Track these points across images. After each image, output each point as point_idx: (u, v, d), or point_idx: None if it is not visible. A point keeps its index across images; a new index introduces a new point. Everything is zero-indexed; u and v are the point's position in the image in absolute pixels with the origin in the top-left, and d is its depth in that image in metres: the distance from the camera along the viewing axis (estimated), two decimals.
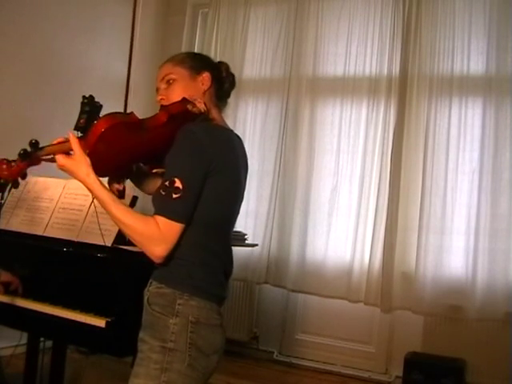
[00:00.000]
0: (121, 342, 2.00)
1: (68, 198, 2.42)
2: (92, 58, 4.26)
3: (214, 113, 1.60)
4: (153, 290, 1.48)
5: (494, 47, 3.65)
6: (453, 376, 3.49)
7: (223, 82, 1.67)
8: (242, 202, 1.61)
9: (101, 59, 4.28)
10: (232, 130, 1.61)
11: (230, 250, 1.59)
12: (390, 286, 3.74)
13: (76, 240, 2.26)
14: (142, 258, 1.46)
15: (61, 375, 2.56)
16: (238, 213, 1.61)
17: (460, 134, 3.71)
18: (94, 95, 1.48)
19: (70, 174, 1.44)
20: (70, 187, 2.44)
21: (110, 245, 2.12)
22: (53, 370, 2.55)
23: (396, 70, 3.92)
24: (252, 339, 4.34)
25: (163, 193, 1.39)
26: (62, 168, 1.44)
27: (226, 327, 1.53)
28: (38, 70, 3.88)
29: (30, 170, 1.48)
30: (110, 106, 1.56)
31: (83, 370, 3.07)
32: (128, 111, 1.53)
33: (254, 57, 4.41)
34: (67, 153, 1.44)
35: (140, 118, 1.47)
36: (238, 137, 1.62)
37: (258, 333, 4.36)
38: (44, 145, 1.45)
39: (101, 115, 1.45)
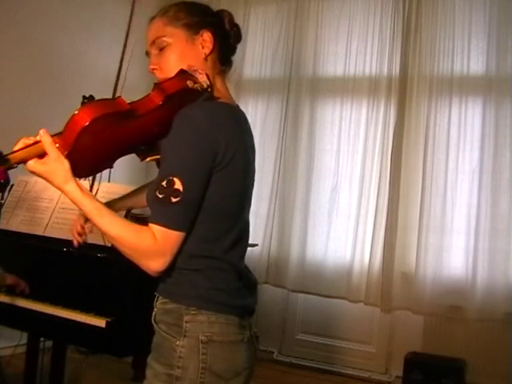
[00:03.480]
0: (121, 341, 2.00)
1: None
2: (92, 57, 4.26)
3: (218, 83, 1.34)
4: (159, 305, 1.28)
5: (493, 47, 3.65)
6: (453, 376, 3.49)
7: (227, 36, 1.36)
8: (252, 188, 1.38)
9: (101, 59, 4.27)
10: (237, 106, 1.38)
11: (244, 249, 1.36)
12: (389, 286, 3.75)
13: None
14: None
15: (61, 375, 2.56)
16: (249, 202, 1.37)
17: (460, 134, 3.71)
18: (93, 95, 1.45)
19: (45, 180, 1.16)
20: None
21: (110, 245, 2.12)
22: (53, 370, 2.55)
23: (396, 70, 3.92)
24: None
25: (160, 196, 1.15)
26: (34, 174, 1.16)
27: None
28: (38, 70, 3.87)
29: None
30: None
31: (83, 370, 3.06)
32: None
33: (254, 57, 4.40)
34: (41, 155, 1.14)
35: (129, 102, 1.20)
36: (242, 113, 1.38)
37: (257, 333, 4.35)
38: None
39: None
